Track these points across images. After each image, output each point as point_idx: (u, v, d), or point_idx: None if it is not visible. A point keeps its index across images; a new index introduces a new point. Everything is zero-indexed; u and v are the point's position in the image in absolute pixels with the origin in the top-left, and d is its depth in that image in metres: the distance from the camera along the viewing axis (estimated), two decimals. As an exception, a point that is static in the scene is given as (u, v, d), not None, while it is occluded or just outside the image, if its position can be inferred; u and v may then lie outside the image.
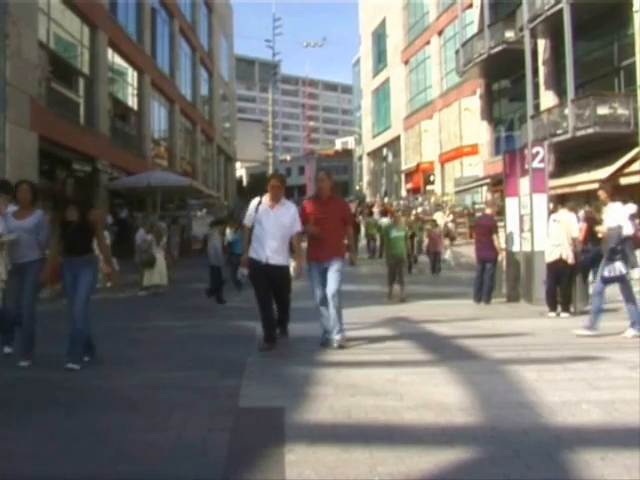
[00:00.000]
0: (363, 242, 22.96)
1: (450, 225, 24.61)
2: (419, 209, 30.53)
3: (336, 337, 6.09)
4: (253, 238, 6.24)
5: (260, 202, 6.32)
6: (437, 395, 4.34)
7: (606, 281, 6.63)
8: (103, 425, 3.83)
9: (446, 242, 19.73)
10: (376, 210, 28.52)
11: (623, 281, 6.65)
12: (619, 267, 6.47)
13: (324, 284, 6.16)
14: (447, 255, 18.01)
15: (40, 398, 4.48)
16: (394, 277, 11.27)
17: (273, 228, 6.16)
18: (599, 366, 5.18)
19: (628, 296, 6.66)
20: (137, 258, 12.72)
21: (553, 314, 8.51)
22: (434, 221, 22.13)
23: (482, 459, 3.18)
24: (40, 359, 5.58)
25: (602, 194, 7.00)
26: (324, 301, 6.17)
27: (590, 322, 6.64)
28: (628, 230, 6.70)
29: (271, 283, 6.26)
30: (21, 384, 4.94)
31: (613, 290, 6.93)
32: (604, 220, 6.98)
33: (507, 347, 6.16)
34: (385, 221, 20.40)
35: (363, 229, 24.00)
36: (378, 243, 21.83)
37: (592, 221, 9.92)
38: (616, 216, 6.72)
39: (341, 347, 6.05)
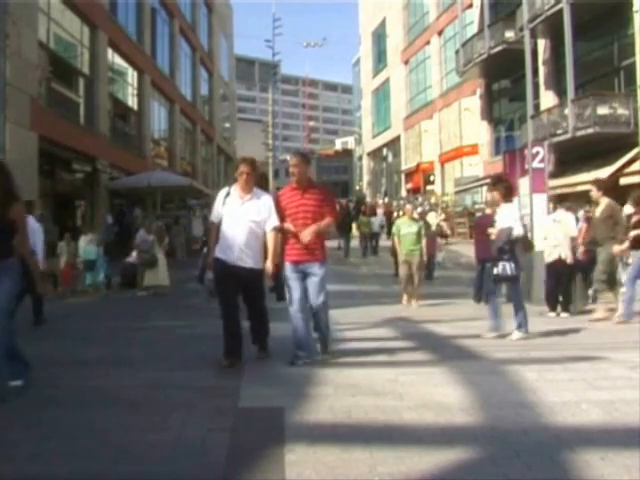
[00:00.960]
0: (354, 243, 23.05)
1: (442, 224, 24.48)
2: (419, 209, 30.49)
3: (299, 352, 5.34)
4: (220, 236, 5.35)
5: (228, 193, 5.42)
6: (437, 395, 4.33)
7: (496, 280, 6.68)
8: (102, 425, 3.83)
9: (442, 242, 19.22)
10: (380, 212, 28.12)
11: (514, 282, 6.70)
12: (509, 267, 6.50)
13: (303, 289, 5.35)
14: (440, 257, 17.28)
15: (39, 398, 4.47)
16: (409, 279, 10.33)
17: (243, 223, 5.25)
18: (599, 366, 5.18)
19: (516, 299, 6.73)
20: (138, 258, 12.74)
21: (553, 314, 8.51)
22: (426, 222, 21.89)
23: (482, 459, 3.18)
24: (39, 358, 5.58)
25: (496, 195, 7.03)
26: (302, 309, 5.34)
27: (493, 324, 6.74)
28: (518, 231, 6.72)
29: (241, 289, 5.40)
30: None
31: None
32: (496, 221, 7.05)
33: (507, 347, 6.16)
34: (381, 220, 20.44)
35: (355, 228, 23.92)
36: (373, 242, 22.38)
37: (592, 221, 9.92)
38: (508, 217, 6.75)
39: (328, 360, 5.43)
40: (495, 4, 27.03)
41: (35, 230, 7.51)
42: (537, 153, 9.93)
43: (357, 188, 58.34)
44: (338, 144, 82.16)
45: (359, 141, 60.86)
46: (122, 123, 23.78)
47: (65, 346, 6.75)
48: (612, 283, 8.12)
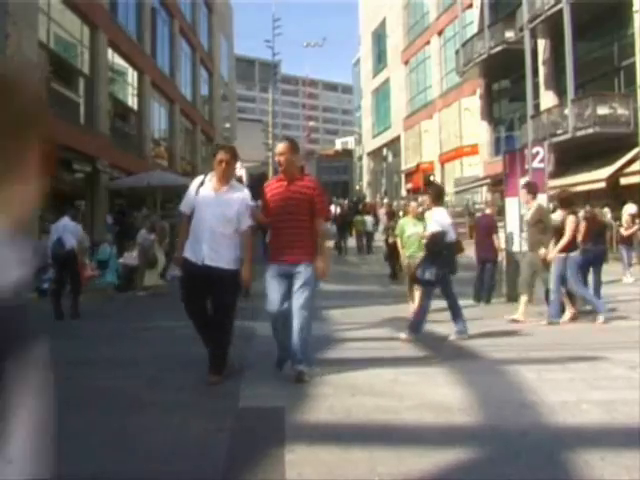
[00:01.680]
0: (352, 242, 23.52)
1: None
2: (419, 209, 30.46)
3: (298, 367, 4.65)
4: (191, 231, 4.75)
5: (202, 182, 4.80)
6: (437, 395, 4.34)
7: (425, 283, 6.71)
8: (102, 425, 3.83)
9: None
10: (382, 211, 27.97)
11: (432, 286, 6.72)
12: (428, 272, 6.53)
13: (284, 292, 4.73)
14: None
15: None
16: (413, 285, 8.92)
17: (215, 218, 4.63)
18: (599, 366, 5.18)
19: (449, 300, 6.78)
20: (139, 258, 12.74)
21: (553, 314, 8.49)
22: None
23: (482, 459, 3.18)
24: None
25: (426, 199, 7.07)
26: (282, 313, 4.72)
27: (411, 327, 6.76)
28: (452, 236, 6.73)
29: (209, 293, 4.70)
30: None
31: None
32: (428, 225, 7.08)
33: (507, 347, 6.16)
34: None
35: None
36: (365, 240, 22.92)
37: (592, 221, 9.93)
38: (439, 221, 6.77)
39: (300, 380, 4.62)
40: (495, 4, 27.04)
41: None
42: (537, 153, 9.93)
43: (357, 188, 58.34)
44: (338, 144, 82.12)
45: (359, 141, 60.87)
46: (122, 123, 23.76)
47: (72, 345, 6.76)
48: (531, 286, 8.17)
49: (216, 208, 4.64)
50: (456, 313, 6.77)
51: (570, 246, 7.65)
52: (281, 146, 4.86)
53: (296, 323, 4.62)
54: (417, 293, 8.56)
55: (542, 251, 7.62)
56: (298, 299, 4.64)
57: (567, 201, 8.11)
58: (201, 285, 4.62)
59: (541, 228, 7.84)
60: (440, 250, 6.59)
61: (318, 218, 4.81)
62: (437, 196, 7.06)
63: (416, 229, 9.08)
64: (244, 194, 4.76)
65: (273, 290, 4.76)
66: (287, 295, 4.72)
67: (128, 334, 7.55)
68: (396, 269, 13.87)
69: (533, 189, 8.28)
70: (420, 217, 9.80)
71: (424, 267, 6.56)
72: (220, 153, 4.75)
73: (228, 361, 4.80)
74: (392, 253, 13.70)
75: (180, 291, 4.84)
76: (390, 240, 13.86)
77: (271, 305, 4.77)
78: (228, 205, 4.66)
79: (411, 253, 9.07)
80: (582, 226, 9.38)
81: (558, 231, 7.72)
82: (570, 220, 7.67)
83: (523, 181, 9.54)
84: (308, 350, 4.77)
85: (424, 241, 6.94)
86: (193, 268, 4.65)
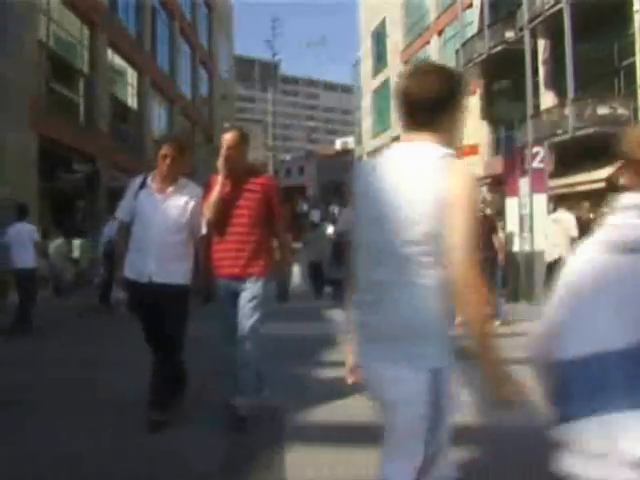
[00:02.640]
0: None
1: None
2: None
3: (239, 400, 3.79)
4: (131, 242, 3.93)
5: (144, 183, 3.99)
6: (437, 395, 4.33)
7: (329, 282, 6.71)
8: (102, 425, 3.83)
9: None
10: None
11: (342, 285, 6.66)
12: (335, 271, 6.53)
13: (235, 314, 3.85)
14: None
15: (39, 398, 4.47)
16: None
17: (163, 225, 3.85)
18: (599, 366, 5.18)
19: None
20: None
21: (553, 314, 8.51)
22: None
23: (482, 459, 3.18)
24: (38, 358, 5.58)
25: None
26: (231, 339, 3.88)
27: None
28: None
29: (160, 315, 3.89)
30: (20, 385, 4.94)
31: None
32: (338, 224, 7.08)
33: (507, 347, 6.15)
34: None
35: None
36: None
37: (591, 221, 9.90)
38: (346, 220, 6.79)
39: (242, 421, 3.75)
40: (495, 4, 27.03)
41: None
42: (537, 153, 9.93)
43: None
44: (338, 144, 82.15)
45: (359, 141, 60.87)
46: (122, 123, 23.77)
47: (74, 345, 6.75)
48: None
49: (163, 213, 3.86)
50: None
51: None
52: (230, 137, 3.89)
53: (239, 357, 3.80)
54: None
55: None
56: (242, 326, 3.80)
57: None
58: (149, 306, 3.87)
59: (489, 233, 7.81)
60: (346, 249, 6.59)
61: (276, 220, 3.95)
62: (343, 196, 7.13)
63: None
64: (196, 195, 3.97)
65: (224, 314, 3.92)
66: (236, 318, 3.86)
67: (127, 335, 7.53)
68: None
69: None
70: None
71: (332, 267, 6.55)
72: (163, 147, 3.93)
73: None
74: None
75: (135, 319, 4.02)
76: None
77: (222, 338, 3.97)
78: (177, 209, 3.89)
79: None
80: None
81: None
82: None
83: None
84: (259, 378, 3.97)
85: (332, 237, 6.95)
86: (139, 290, 3.85)
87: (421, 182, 1.69)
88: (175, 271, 3.86)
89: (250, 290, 3.81)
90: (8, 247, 8.05)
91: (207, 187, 3.96)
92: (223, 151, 3.84)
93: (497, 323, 7.60)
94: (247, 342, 3.78)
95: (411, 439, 1.75)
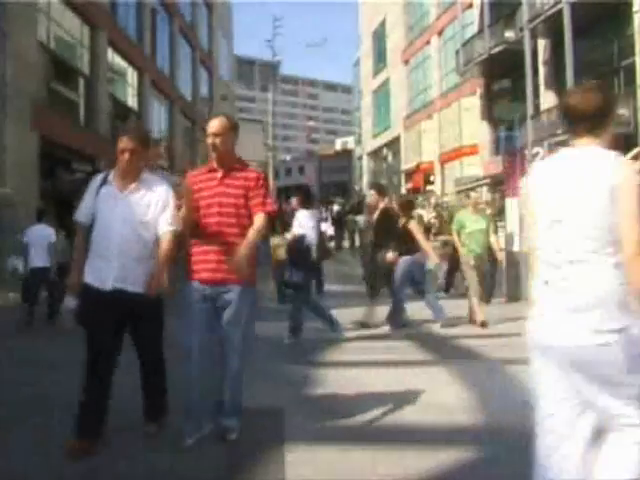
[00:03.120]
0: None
1: (433, 222, 24.12)
2: (419, 209, 30.48)
3: (225, 421, 3.54)
4: (93, 245, 3.53)
5: (104, 181, 3.62)
6: (438, 395, 4.34)
7: (288, 286, 6.70)
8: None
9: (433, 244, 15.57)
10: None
11: (302, 289, 6.67)
12: (295, 275, 6.49)
13: (207, 326, 3.50)
14: (431, 264, 14.34)
15: (39, 398, 4.47)
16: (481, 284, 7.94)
17: (125, 225, 3.48)
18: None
19: (302, 305, 6.74)
20: None
21: (553, 314, 8.49)
22: (420, 216, 20.78)
23: (482, 459, 3.19)
24: (46, 358, 5.57)
25: (294, 202, 7.08)
26: (201, 357, 3.47)
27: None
28: (312, 239, 6.73)
29: (121, 330, 3.56)
30: (21, 386, 4.94)
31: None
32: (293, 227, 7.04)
33: (507, 347, 6.16)
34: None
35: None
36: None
37: None
38: (302, 224, 6.78)
39: (226, 438, 3.52)
40: (495, 4, 27.01)
41: None
42: (537, 153, 9.94)
43: (357, 188, 58.35)
44: (338, 144, 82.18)
45: (359, 141, 60.86)
46: (122, 123, 23.77)
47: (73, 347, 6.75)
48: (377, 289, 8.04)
49: (125, 212, 3.50)
50: (320, 315, 6.77)
51: (415, 249, 7.45)
52: (216, 123, 3.54)
53: (227, 370, 3.53)
54: (475, 300, 7.88)
55: (390, 254, 7.37)
56: (229, 340, 3.48)
57: (406, 206, 7.91)
58: (108, 319, 3.43)
59: (386, 230, 7.58)
60: (304, 253, 6.59)
61: (257, 213, 3.51)
62: (305, 199, 7.10)
63: (478, 225, 7.99)
64: (162, 190, 3.59)
65: (195, 325, 3.48)
66: (211, 331, 3.49)
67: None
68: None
69: (382, 192, 8.28)
70: (483, 210, 8.54)
71: (291, 271, 6.53)
72: (122, 141, 3.51)
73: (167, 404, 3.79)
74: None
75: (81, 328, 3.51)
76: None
77: (190, 349, 3.48)
78: (141, 207, 3.52)
79: (477, 253, 7.94)
80: None
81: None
82: (413, 224, 7.53)
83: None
84: (240, 400, 3.65)
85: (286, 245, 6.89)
86: (98, 297, 3.42)
87: (598, 179, 2.11)
88: (140, 276, 3.46)
89: (238, 301, 3.45)
90: (28, 247, 8.60)
91: (188, 178, 3.67)
92: (209, 140, 3.50)
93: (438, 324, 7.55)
94: (234, 363, 3.51)
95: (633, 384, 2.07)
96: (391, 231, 7.43)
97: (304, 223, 6.76)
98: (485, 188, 28.13)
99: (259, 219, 3.49)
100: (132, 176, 3.55)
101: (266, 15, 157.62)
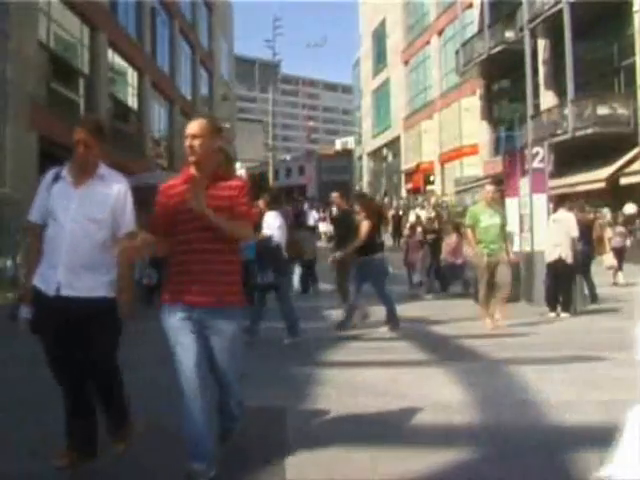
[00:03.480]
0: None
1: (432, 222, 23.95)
2: (418, 209, 30.47)
3: (194, 465, 2.89)
4: (44, 246, 3.18)
5: (57, 177, 3.27)
6: (437, 395, 4.34)
7: (260, 288, 6.69)
8: (101, 425, 3.82)
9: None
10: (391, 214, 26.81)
11: (277, 289, 6.65)
12: (266, 276, 6.49)
13: (201, 352, 3.00)
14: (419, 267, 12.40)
15: (38, 397, 4.47)
16: (491, 285, 7.53)
17: (77, 224, 3.11)
18: (599, 366, 5.18)
19: (282, 305, 6.70)
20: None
21: (553, 314, 8.51)
22: (419, 217, 20.43)
23: (482, 459, 3.18)
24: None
25: (261, 203, 7.10)
26: (201, 389, 2.95)
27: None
28: (279, 238, 6.76)
29: (72, 339, 3.10)
30: (20, 385, 4.94)
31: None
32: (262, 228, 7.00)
33: (507, 347, 6.16)
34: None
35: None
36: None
37: (582, 221, 9.86)
38: (269, 224, 6.80)
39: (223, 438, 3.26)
40: (495, 4, 27.01)
41: None
42: (537, 153, 9.92)
43: (357, 188, 58.35)
44: (338, 144, 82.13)
45: (359, 141, 60.86)
46: (122, 123, 23.77)
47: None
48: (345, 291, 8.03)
49: (78, 209, 3.13)
50: (292, 319, 6.72)
51: (369, 250, 7.32)
52: (195, 125, 3.07)
53: (224, 408, 3.22)
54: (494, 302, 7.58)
55: (337, 254, 7.43)
56: (225, 370, 3.09)
57: (365, 205, 7.73)
58: (53, 325, 3.07)
59: (345, 231, 7.66)
60: (273, 253, 6.59)
61: (240, 220, 3.04)
62: (271, 200, 7.13)
63: (493, 220, 7.59)
64: (120, 186, 3.25)
65: (186, 352, 3.00)
66: (204, 358, 3.02)
67: (126, 336, 7.54)
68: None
69: (345, 194, 8.38)
70: (497, 205, 8.18)
71: (261, 273, 6.53)
72: (77, 131, 3.17)
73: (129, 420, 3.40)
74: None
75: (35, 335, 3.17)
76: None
77: (187, 381, 2.98)
78: (96, 203, 3.17)
79: (491, 249, 7.52)
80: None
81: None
82: (365, 224, 7.37)
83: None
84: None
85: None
86: (44, 301, 3.08)
87: None
88: (91, 281, 3.09)
89: (228, 329, 3.03)
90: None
91: (162, 190, 3.17)
92: (187, 142, 3.04)
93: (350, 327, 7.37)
94: (233, 386, 3.19)
95: None
96: (350, 232, 7.44)
97: (271, 224, 6.79)
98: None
99: (241, 221, 3.05)
100: (87, 171, 3.22)
101: (266, 15, 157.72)
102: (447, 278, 11.68)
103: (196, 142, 3.03)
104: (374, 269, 7.31)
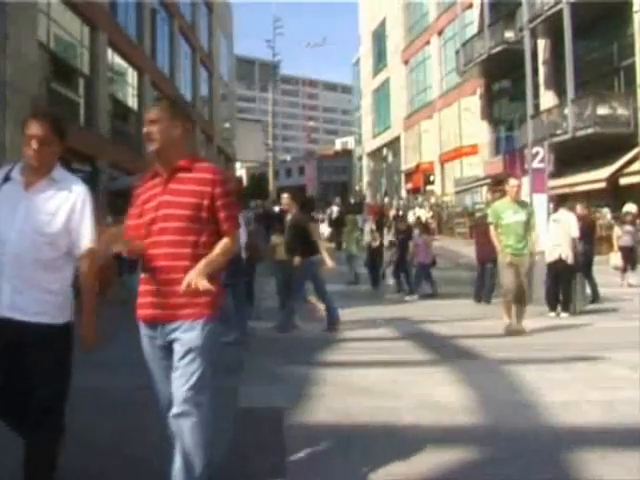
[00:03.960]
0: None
1: (430, 221, 24.08)
2: (417, 209, 30.47)
3: None
4: None
5: (7, 177, 2.80)
6: (437, 395, 4.33)
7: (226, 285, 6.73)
8: (101, 425, 3.83)
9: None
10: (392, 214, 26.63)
11: (230, 288, 6.50)
12: (231, 275, 6.52)
13: (168, 374, 2.56)
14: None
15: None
16: (518, 289, 6.91)
17: (23, 235, 2.58)
18: (599, 366, 5.18)
19: (237, 305, 6.69)
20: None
21: (553, 314, 8.51)
22: (418, 218, 20.18)
23: (482, 459, 3.18)
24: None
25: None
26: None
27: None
28: (242, 239, 6.78)
29: (14, 369, 2.55)
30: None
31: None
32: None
33: (507, 347, 6.16)
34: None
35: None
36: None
37: (583, 220, 9.85)
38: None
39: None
40: (495, 4, 27.02)
41: None
42: (537, 153, 9.93)
43: (357, 188, 58.34)
44: (338, 144, 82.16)
45: (359, 141, 60.86)
46: (122, 123, 23.77)
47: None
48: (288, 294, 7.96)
49: (26, 218, 2.61)
50: (240, 320, 6.69)
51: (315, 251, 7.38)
52: (154, 109, 2.66)
53: (177, 432, 2.60)
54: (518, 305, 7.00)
55: (297, 259, 7.30)
56: (177, 397, 2.53)
57: (305, 206, 8.02)
58: (6, 355, 2.53)
59: (299, 234, 7.51)
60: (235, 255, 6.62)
61: (226, 237, 2.60)
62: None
63: (518, 217, 6.95)
64: (80, 192, 2.75)
65: (158, 376, 2.66)
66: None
67: (126, 336, 7.55)
68: (378, 276, 12.88)
69: (297, 197, 8.34)
70: (523, 201, 7.59)
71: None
72: (31, 124, 2.78)
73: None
74: (374, 259, 13.09)
75: None
76: (373, 244, 13.31)
77: (163, 404, 2.69)
78: (45, 213, 2.64)
79: (516, 249, 6.91)
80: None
81: None
82: (312, 226, 7.52)
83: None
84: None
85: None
86: None
87: None
88: (40, 303, 2.56)
89: (192, 341, 2.49)
90: None
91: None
92: (145, 128, 2.60)
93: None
94: (187, 422, 2.53)
95: None
96: (300, 236, 7.42)
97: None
98: (485, 188, 28.13)
99: (225, 242, 2.59)
100: (41, 171, 2.74)
101: (266, 15, 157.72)
102: (417, 278, 11.56)
103: (154, 128, 2.58)
104: (315, 269, 7.41)
